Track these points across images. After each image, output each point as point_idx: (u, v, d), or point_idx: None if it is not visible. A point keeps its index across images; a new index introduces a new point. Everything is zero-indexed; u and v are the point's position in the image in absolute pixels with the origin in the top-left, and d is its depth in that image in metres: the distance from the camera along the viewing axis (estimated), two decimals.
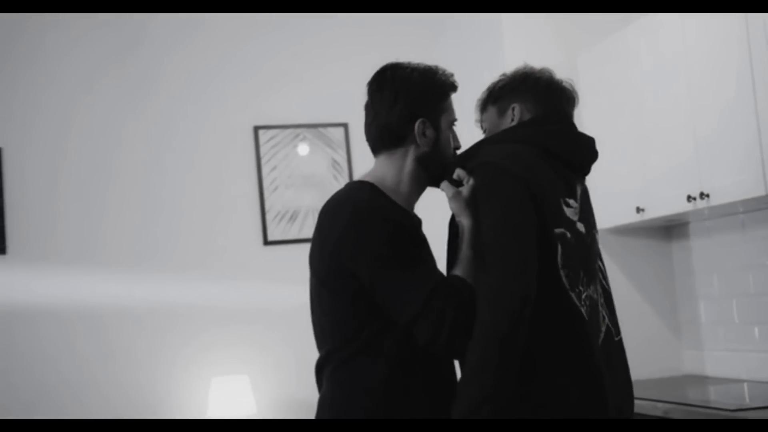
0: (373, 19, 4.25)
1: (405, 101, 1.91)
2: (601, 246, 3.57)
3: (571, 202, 1.89)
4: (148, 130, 4.02)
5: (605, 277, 2.00)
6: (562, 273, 1.79)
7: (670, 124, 3.13)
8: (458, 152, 1.97)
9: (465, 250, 1.84)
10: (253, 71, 4.16)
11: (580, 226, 1.90)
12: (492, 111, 2.03)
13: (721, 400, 3.03)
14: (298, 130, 4.14)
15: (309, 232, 4.00)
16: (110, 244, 3.89)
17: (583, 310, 1.82)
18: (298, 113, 4.16)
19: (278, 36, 4.20)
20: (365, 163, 4.09)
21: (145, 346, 3.82)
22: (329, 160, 4.11)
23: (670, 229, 3.69)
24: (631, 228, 3.61)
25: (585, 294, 1.85)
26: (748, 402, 2.97)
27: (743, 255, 3.30)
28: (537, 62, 3.68)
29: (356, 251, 1.81)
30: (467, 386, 1.70)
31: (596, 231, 2.00)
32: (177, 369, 3.83)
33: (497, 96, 2.03)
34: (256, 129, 4.12)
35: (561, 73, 3.72)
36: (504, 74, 2.07)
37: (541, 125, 1.97)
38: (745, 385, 3.22)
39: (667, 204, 3.16)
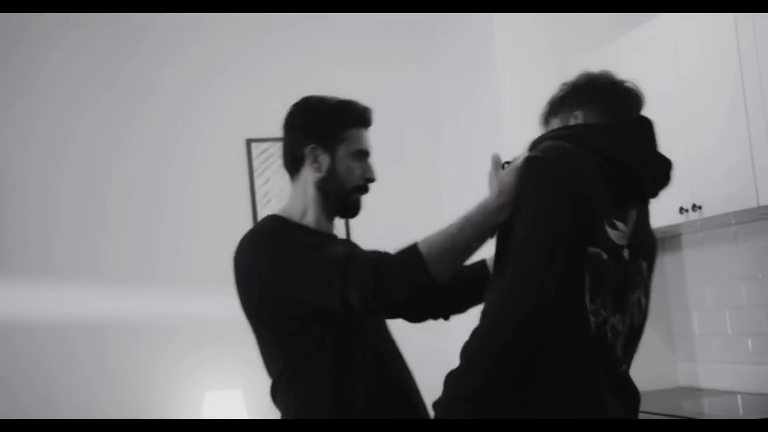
0: (363, 29, 4.27)
1: (301, 127, 2.01)
2: None
3: (620, 225, 1.75)
4: (141, 144, 4.03)
5: (642, 314, 1.85)
6: (586, 293, 1.69)
7: (661, 135, 3.13)
8: (370, 185, 2.01)
9: (472, 215, 1.78)
10: (245, 84, 4.16)
11: (625, 252, 1.76)
12: (555, 124, 1.94)
13: (715, 413, 3.03)
14: None
15: None
16: (104, 259, 3.90)
17: (601, 334, 1.71)
18: None
19: (270, 48, 4.21)
20: None
21: (139, 360, 3.81)
22: None
23: (663, 240, 3.69)
24: None
25: (610, 322, 1.74)
26: (742, 414, 2.98)
27: (736, 267, 3.31)
28: (528, 66, 3.72)
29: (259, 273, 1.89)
30: (458, 375, 1.69)
31: (647, 262, 1.85)
32: (171, 383, 3.82)
33: (558, 107, 1.94)
34: (249, 142, 4.12)
35: (552, 78, 3.75)
36: (564, 84, 1.98)
37: (611, 130, 1.82)
38: (739, 397, 3.22)
39: (659, 216, 3.14)
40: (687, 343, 3.61)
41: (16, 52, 3.92)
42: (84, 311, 3.79)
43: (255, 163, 4.11)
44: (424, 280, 1.75)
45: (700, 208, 2.92)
